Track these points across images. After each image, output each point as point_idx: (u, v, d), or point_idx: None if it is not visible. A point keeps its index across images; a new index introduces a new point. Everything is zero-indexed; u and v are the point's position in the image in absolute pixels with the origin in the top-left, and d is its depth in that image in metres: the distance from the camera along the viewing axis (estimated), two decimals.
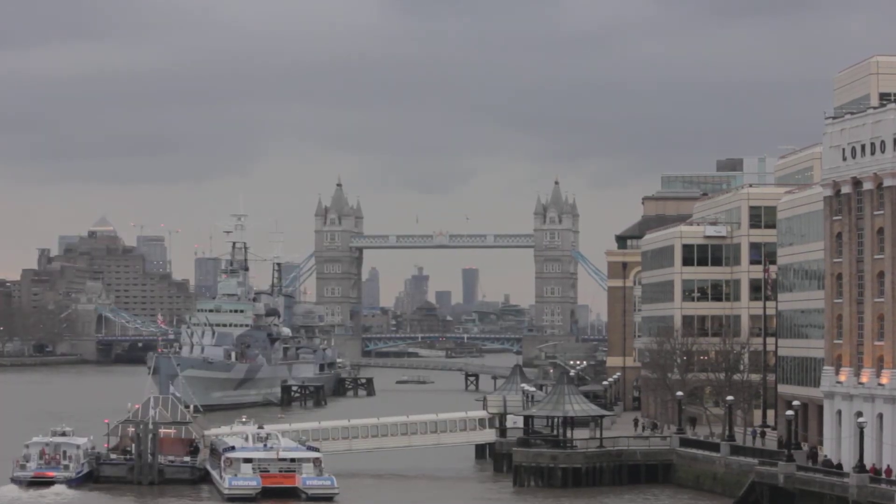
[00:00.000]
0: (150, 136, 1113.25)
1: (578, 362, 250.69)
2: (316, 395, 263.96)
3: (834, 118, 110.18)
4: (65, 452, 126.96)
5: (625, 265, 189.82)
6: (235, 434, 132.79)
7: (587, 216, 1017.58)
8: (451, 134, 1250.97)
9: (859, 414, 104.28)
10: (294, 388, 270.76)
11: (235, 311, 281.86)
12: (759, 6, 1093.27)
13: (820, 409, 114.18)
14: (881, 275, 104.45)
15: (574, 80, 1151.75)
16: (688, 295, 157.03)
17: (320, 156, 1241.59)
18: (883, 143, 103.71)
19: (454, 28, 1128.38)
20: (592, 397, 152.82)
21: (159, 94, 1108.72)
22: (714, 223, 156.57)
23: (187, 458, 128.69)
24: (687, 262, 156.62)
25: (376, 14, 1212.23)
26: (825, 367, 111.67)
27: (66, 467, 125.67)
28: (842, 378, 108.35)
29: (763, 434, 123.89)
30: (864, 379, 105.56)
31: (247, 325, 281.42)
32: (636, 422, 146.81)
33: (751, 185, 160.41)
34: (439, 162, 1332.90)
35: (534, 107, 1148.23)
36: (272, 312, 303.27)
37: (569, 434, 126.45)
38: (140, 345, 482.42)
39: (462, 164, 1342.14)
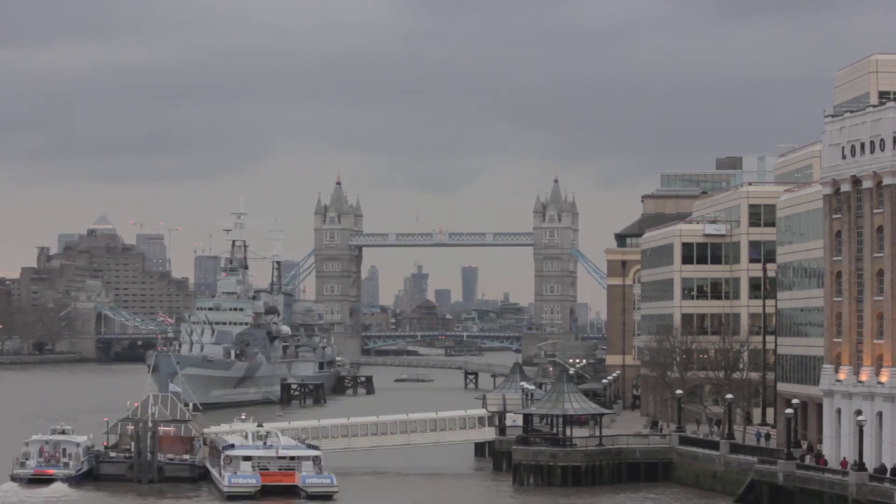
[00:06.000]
0: (153, 135, 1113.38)
1: (578, 360, 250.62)
2: (315, 394, 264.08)
3: (833, 116, 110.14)
4: (64, 450, 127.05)
5: (624, 263, 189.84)
6: (235, 432, 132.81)
7: (587, 214, 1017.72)
8: (459, 132, 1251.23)
9: (859, 412, 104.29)
10: (293, 387, 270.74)
11: (235, 309, 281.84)
12: (764, 5, 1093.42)
13: (819, 407, 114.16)
14: (880, 273, 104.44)
15: (582, 78, 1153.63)
16: (687, 293, 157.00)
17: (323, 154, 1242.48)
18: (882, 141, 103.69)
19: (463, 25, 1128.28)
20: (592, 395, 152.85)
21: (166, 91, 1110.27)
22: (713, 221, 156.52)
23: (186, 456, 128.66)
24: (686, 260, 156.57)
25: (385, 12, 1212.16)
26: (825, 366, 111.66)
27: (66, 465, 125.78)
28: (841, 376, 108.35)
29: (767, 436, 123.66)
30: (863, 377, 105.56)
31: (246, 324, 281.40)
32: (655, 423, 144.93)
33: (750, 184, 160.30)
34: (446, 161, 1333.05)
35: (541, 105, 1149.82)
36: (272, 311, 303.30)
37: (568, 432, 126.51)
38: (139, 343, 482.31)
39: (468, 163, 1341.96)
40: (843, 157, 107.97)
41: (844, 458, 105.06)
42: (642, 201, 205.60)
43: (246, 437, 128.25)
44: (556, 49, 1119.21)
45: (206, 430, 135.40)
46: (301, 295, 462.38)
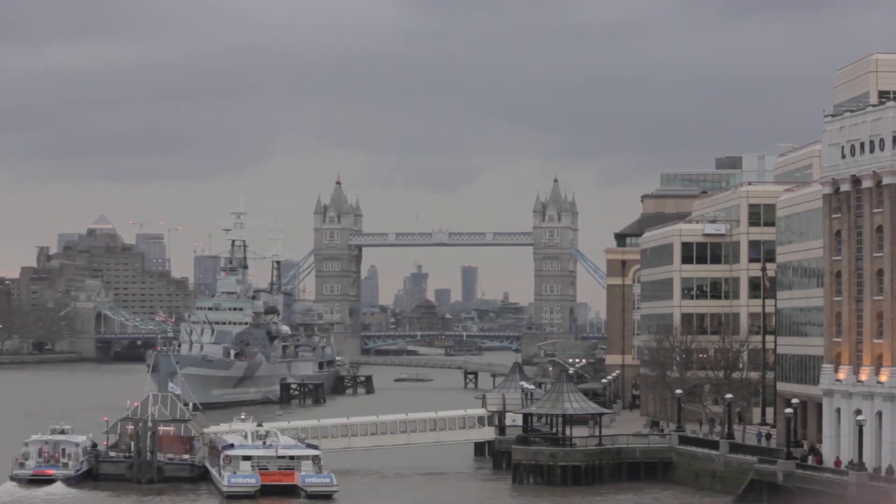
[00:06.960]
0: (153, 135, 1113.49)
1: (577, 360, 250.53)
2: (315, 393, 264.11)
3: (833, 116, 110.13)
4: (64, 450, 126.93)
5: (624, 263, 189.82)
6: (234, 432, 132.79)
7: (587, 214, 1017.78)
8: (459, 132, 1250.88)
9: (858, 412, 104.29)
10: (293, 386, 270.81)
11: (234, 308, 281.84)
12: (764, 4, 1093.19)
13: (819, 407, 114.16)
14: (880, 273, 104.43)
15: (582, 78, 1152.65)
16: (687, 293, 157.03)
17: (323, 154, 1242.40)
18: (882, 140, 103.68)
19: (463, 25, 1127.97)
20: (591, 395, 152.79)
21: (166, 91, 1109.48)
22: (713, 221, 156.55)
23: (186, 456, 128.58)
24: (686, 259, 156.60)
25: (386, 11, 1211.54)
26: (824, 365, 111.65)
27: (66, 465, 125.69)
28: (841, 376, 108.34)
29: (769, 437, 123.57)
30: (863, 377, 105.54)
31: (246, 323, 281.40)
32: (656, 423, 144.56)
33: (750, 183, 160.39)
34: (446, 161, 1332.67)
35: (541, 105, 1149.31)
36: (271, 310, 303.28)
37: (568, 432, 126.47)
38: (139, 343, 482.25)
39: (469, 163, 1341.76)
40: (843, 156, 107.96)
41: (837, 457, 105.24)
42: (642, 201, 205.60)
43: (245, 436, 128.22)
44: (556, 49, 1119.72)
45: (205, 430, 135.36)
46: (301, 295, 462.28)
